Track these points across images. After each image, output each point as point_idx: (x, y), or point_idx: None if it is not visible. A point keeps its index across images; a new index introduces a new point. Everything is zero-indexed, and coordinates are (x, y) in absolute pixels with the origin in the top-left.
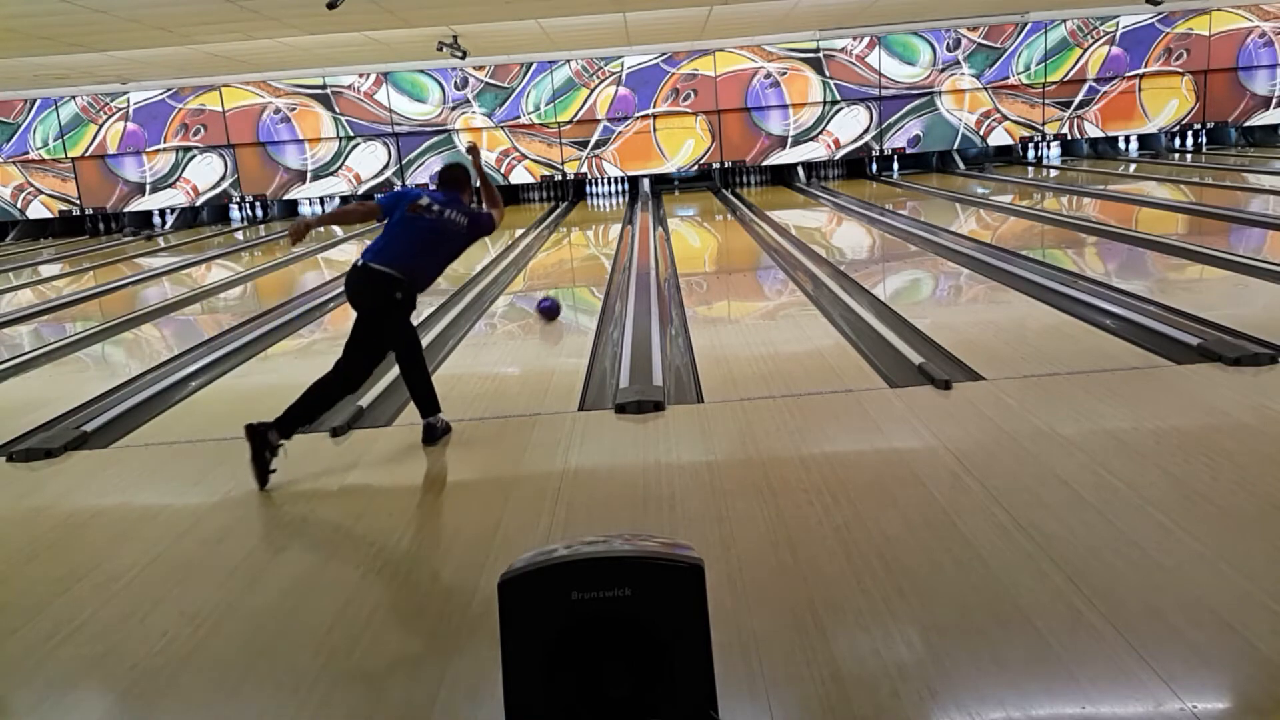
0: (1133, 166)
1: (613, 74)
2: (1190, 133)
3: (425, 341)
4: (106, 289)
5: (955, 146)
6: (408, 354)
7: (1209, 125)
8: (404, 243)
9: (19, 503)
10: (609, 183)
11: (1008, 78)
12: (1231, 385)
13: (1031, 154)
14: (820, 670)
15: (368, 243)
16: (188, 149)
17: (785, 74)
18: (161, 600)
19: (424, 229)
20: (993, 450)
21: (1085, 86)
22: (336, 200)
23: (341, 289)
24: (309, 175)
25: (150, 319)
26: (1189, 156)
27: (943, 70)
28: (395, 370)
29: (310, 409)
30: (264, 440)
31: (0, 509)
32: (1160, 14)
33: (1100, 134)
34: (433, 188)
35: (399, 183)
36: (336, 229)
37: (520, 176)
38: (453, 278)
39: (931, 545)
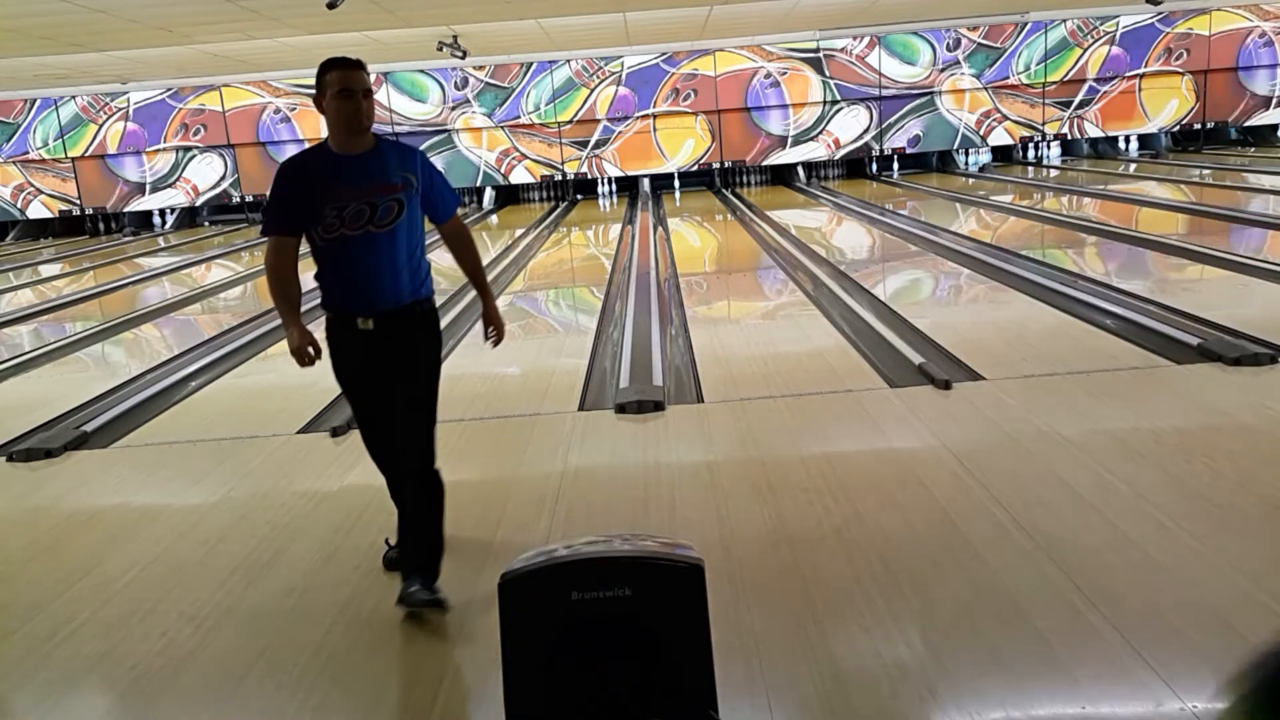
0: (1133, 166)
1: (613, 74)
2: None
3: None
4: (106, 289)
5: (955, 146)
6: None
7: (1208, 125)
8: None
9: (19, 503)
10: (608, 182)
11: (1008, 78)
12: (1231, 385)
13: (1031, 154)
14: (820, 670)
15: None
16: (188, 149)
17: (785, 74)
18: (161, 600)
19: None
20: (993, 450)
21: (1085, 86)
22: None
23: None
24: None
25: (150, 319)
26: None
27: (943, 70)
28: None
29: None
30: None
31: (0, 509)
32: (1160, 14)
33: (1100, 134)
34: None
35: None
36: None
37: (520, 176)
38: (452, 277)
39: (931, 545)
